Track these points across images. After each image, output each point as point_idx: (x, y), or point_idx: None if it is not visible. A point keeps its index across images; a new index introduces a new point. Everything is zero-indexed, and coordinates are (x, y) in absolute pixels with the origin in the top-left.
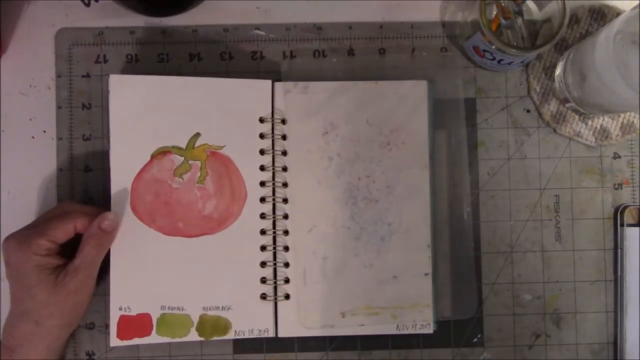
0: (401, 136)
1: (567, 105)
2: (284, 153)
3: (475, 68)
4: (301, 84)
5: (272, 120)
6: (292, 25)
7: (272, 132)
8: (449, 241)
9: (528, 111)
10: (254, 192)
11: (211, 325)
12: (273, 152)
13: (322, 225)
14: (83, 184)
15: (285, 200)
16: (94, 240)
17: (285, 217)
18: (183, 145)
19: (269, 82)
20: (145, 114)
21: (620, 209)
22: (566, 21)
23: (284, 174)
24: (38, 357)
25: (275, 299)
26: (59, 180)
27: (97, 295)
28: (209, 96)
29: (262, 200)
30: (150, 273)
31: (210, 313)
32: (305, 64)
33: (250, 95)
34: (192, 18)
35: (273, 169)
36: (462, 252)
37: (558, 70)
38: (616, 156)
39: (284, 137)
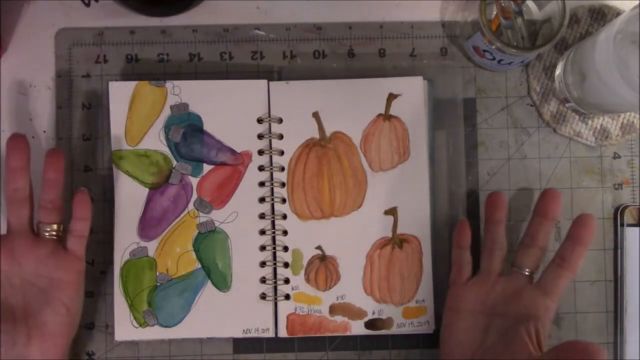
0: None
1: (567, 105)
2: (282, 153)
3: (475, 68)
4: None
5: (269, 121)
6: (292, 25)
7: (270, 132)
8: (448, 243)
9: (528, 111)
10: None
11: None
12: (270, 153)
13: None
14: (83, 184)
15: (283, 200)
16: None
17: (284, 217)
18: None
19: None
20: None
21: (620, 209)
22: (566, 21)
23: (281, 174)
24: None
25: (275, 299)
26: None
27: (97, 295)
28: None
29: (262, 200)
30: None
31: None
32: (305, 64)
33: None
34: (192, 18)
35: (271, 169)
36: None
37: (558, 70)
38: (616, 156)
39: (280, 137)
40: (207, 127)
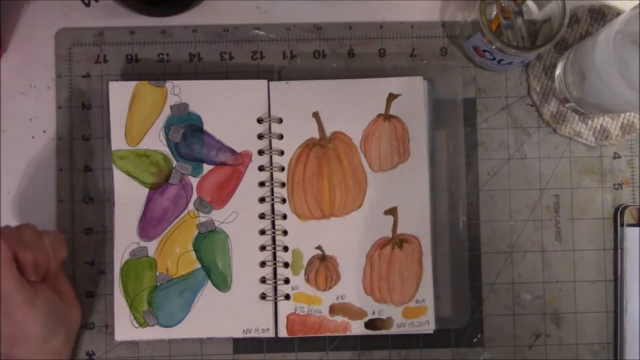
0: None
1: (567, 105)
2: (282, 153)
3: (475, 68)
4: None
5: (269, 121)
6: (292, 25)
7: (270, 132)
8: (448, 243)
9: (528, 111)
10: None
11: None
12: (270, 153)
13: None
14: (83, 184)
15: (283, 200)
16: None
17: (284, 217)
18: None
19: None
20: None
21: (620, 209)
22: (566, 21)
23: (281, 174)
24: None
25: (275, 299)
26: (59, 180)
27: (97, 295)
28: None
29: (262, 200)
30: None
31: None
32: (305, 64)
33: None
34: (192, 18)
35: (271, 169)
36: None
37: (558, 70)
38: (616, 156)
39: (280, 137)
40: (207, 127)
